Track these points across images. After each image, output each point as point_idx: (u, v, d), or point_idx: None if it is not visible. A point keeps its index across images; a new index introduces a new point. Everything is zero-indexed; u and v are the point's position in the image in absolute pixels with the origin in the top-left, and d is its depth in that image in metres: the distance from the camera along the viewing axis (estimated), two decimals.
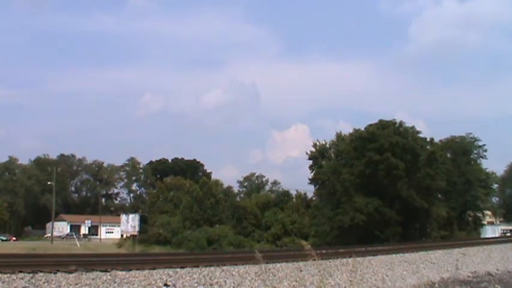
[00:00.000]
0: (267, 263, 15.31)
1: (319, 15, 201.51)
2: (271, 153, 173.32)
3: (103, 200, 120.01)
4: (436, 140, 59.40)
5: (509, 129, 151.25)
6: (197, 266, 14.62)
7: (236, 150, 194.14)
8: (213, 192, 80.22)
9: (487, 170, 66.58)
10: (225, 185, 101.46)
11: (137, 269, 13.29)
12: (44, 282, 11.41)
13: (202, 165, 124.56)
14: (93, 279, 12.15)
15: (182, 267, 14.24)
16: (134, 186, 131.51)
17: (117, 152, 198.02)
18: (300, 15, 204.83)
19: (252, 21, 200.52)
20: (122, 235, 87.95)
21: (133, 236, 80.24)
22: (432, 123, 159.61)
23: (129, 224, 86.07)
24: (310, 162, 66.30)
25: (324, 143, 66.85)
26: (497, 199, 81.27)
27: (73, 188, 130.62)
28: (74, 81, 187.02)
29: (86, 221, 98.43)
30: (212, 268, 14.86)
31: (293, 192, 75.16)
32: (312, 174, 65.00)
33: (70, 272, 12.00)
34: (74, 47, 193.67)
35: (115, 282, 12.40)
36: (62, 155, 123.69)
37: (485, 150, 64.47)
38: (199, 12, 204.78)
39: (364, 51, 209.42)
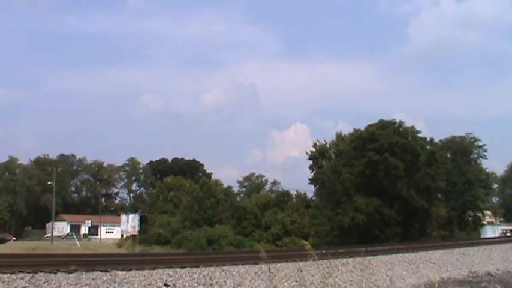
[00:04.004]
0: (266, 263, 15.33)
1: (319, 16, 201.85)
2: (271, 153, 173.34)
3: (103, 200, 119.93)
4: (436, 140, 59.52)
5: (509, 129, 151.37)
6: (197, 266, 14.63)
7: (236, 150, 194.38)
8: (213, 192, 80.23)
9: (487, 170, 66.66)
10: (225, 185, 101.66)
11: (137, 269, 13.30)
12: (44, 282, 11.41)
13: (202, 165, 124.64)
14: (93, 279, 12.15)
15: (182, 267, 14.24)
16: (134, 186, 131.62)
17: (117, 152, 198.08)
18: (299, 16, 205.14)
19: (252, 21, 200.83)
20: (122, 235, 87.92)
21: (133, 236, 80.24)
22: (432, 123, 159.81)
23: (129, 224, 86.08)
24: (310, 162, 66.30)
25: (324, 143, 66.83)
26: (497, 199, 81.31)
27: (73, 188, 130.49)
28: (74, 81, 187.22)
29: (86, 221, 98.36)
30: (212, 268, 14.87)
31: (293, 192, 75.12)
32: (312, 174, 65.00)
33: (70, 272, 12.00)
34: (74, 47, 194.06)
35: (115, 282, 12.41)
36: (62, 155, 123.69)
37: (485, 150, 64.58)
38: (199, 12, 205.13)
39: (364, 51, 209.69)
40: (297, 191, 74.26)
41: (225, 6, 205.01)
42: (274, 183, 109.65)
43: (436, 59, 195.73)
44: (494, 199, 77.70)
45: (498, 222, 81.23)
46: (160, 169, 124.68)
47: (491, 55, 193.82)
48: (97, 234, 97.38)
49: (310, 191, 70.26)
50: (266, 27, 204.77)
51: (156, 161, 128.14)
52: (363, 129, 54.14)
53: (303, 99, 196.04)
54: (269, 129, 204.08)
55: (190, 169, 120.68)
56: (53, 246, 63.84)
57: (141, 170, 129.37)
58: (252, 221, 69.46)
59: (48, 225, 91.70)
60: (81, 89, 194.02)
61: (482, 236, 60.93)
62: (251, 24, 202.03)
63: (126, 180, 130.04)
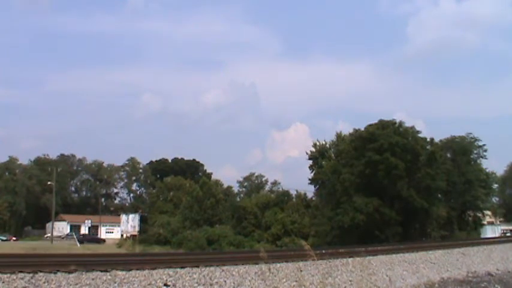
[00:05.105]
0: (266, 263, 15.33)
1: (319, 16, 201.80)
2: (271, 153, 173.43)
3: (103, 200, 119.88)
4: (436, 140, 59.49)
5: (509, 129, 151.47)
6: (197, 266, 14.63)
7: (236, 150, 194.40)
8: (213, 192, 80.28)
9: (487, 170, 66.59)
10: (225, 185, 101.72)
11: (137, 269, 13.29)
12: (44, 282, 11.40)
13: (202, 165, 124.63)
14: (93, 279, 12.15)
15: (182, 267, 14.24)
16: (134, 186, 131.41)
17: (117, 152, 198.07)
18: (299, 16, 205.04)
19: (251, 21, 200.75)
20: (122, 235, 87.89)
21: (133, 236, 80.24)
22: (432, 123, 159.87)
23: (129, 224, 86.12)
24: (310, 162, 66.28)
25: (324, 143, 66.81)
26: (497, 199, 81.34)
27: (73, 188, 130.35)
28: (74, 81, 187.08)
29: (86, 221, 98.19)
30: (212, 268, 14.86)
31: (293, 192, 75.19)
32: (312, 174, 64.98)
33: (70, 272, 12.00)
34: (74, 47, 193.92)
35: (115, 282, 12.40)
36: (62, 155, 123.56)
37: (485, 150, 64.49)
38: (199, 12, 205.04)
39: (364, 52, 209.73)
40: (297, 191, 74.43)
41: (225, 6, 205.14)
42: (274, 183, 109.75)
43: (436, 59, 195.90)
44: (494, 199, 77.74)
45: (498, 222, 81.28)
46: (160, 169, 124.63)
47: (491, 55, 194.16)
48: (97, 234, 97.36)
49: (310, 191, 70.39)
50: (266, 27, 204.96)
51: (156, 161, 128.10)
52: (363, 129, 54.15)
53: (303, 99, 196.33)
54: (269, 129, 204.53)
55: (190, 169, 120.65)
56: (53, 246, 63.84)
57: (141, 170, 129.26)
58: (252, 221, 69.52)
59: (48, 225, 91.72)
60: (81, 89, 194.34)
61: (482, 236, 60.95)
62: (251, 24, 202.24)
63: (126, 180, 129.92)
